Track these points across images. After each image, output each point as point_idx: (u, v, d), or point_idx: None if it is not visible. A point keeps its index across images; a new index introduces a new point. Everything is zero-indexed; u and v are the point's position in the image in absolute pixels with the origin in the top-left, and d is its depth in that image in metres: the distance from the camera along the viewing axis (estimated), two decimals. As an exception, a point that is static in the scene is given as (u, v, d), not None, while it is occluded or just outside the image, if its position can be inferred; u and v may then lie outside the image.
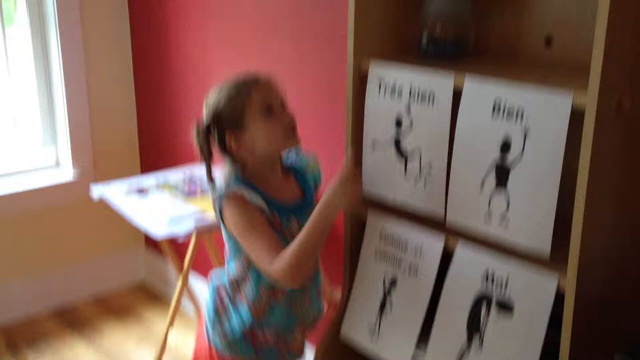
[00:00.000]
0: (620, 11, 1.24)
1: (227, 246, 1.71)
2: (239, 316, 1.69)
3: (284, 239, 1.60)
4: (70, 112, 3.02)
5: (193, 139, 1.68)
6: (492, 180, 1.49)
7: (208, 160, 1.69)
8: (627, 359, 1.20)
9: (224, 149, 1.66)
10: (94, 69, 3.08)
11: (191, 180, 2.61)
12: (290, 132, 1.65)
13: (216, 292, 1.72)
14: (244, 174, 1.66)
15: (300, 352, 1.79)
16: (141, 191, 2.51)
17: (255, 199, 1.61)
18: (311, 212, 1.60)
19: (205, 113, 1.67)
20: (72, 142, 3.06)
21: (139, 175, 3.04)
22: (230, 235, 1.66)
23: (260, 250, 1.58)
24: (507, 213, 1.47)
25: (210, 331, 1.73)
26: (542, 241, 1.42)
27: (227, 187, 1.63)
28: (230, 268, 1.70)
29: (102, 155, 3.17)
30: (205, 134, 1.66)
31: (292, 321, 1.72)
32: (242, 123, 1.62)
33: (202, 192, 2.49)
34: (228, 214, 1.62)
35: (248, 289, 1.67)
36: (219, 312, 1.71)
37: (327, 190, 1.60)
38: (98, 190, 2.51)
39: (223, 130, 1.63)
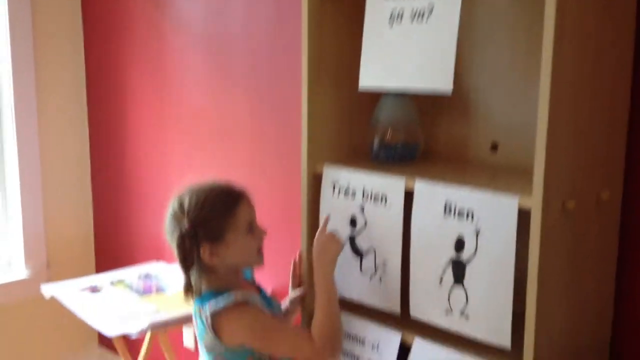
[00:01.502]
0: (559, 122, 1.34)
1: None
2: None
3: None
4: (24, 212, 3.02)
5: (174, 244, 1.63)
6: (449, 276, 1.55)
7: (190, 269, 1.64)
8: None
9: (197, 257, 1.64)
10: (50, 168, 3.09)
11: (146, 278, 2.61)
12: (261, 250, 1.71)
13: None
14: (215, 282, 1.66)
15: None
16: (94, 289, 2.50)
17: (255, 299, 1.65)
18: (271, 302, 1.70)
19: (180, 217, 1.63)
20: (25, 242, 3.04)
21: (93, 274, 3.02)
22: (228, 350, 1.63)
23: (293, 341, 1.65)
24: (467, 308, 1.52)
25: None
26: (501, 335, 1.47)
27: (216, 302, 1.61)
28: None
29: (56, 255, 3.15)
30: (191, 240, 1.61)
31: None
32: (223, 237, 1.63)
33: (158, 289, 2.49)
34: (234, 326, 1.62)
35: None
36: None
37: (315, 250, 1.69)
38: (49, 290, 2.49)
39: (199, 241, 1.62)
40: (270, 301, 1.77)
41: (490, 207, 1.46)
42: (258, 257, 1.71)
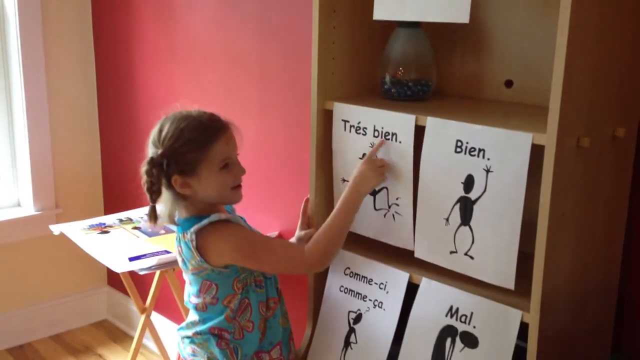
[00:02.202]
0: (577, 57, 1.30)
1: (208, 285, 1.65)
2: (248, 346, 1.67)
3: None
4: (32, 152, 3.01)
5: (143, 170, 1.62)
6: (457, 216, 1.53)
7: (156, 197, 1.62)
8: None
9: (168, 184, 1.61)
10: (57, 108, 3.07)
11: (155, 219, 2.61)
12: (238, 188, 1.66)
13: (214, 338, 1.66)
14: (193, 210, 1.64)
15: None
16: (103, 229, 2.51)
17: (238, 220, 1.63)
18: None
19: (156, 144, 1.61)
20: (34, 182, 3.04)
21: (102, 216, 3.02)
22: (214, 271, 1.62)
23: (283, 254, 1.66)
24: (472, 248, 1.51)
25: None
26: (506, 277, 1.46)
27: (199, 222, 1.59)
28: (218, 307, 1.65)
29: (65, 197, 3.15)
30: (160, 169, 1.59)
31: (285, 334, 1.75)
32: (195, 171, 1.60)
33: (166, 230, 2.49)
34: (220, 242, 1.59)
35: (250, 313, 1.67)
36: (228, 356, 1.66)
37: (356, 174, 1.66)
38: (57, 227, 2.50)
39: (170, 171, 1.59)
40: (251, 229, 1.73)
41: (502, 144, 1.43)
42: (233, 194, 1.66)
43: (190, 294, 1.71)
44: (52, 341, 3.16)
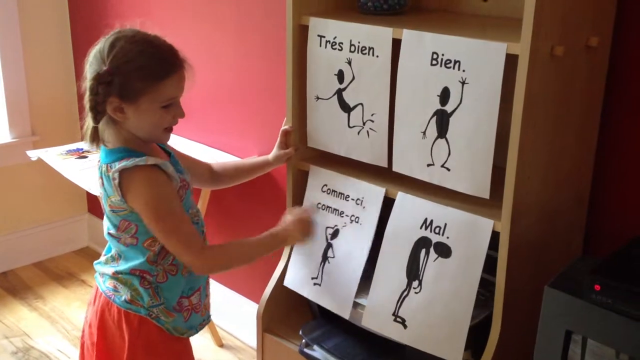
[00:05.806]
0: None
1: (126, 225, 1.55)
2: (171, 289, 1.61)
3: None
4: (6, 78, 2.96)
5: (87, 86, 1.48)
6: (433, 129, 1.54)
7: (100, 117, 1.49)
8: (555, 290, 1.28)
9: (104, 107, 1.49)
10: (29, 34, 3.01)
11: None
12: (169, 129, 1.58)
13: (137, 277, 1.58)
14: (124, 141, 1.54)
15: (209, 311, 1.76)
16: (80, 154, 2.50)
17: (167, 166, 1.54)
18: (181, 168, 1.61)
19: (104, 59, 1.47)
20: (9, 109, 3.00)
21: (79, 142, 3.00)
22: (133, 213, 1.53)
23: (185, 235, 1.54)
24: (448, 160, 1.53)
25: (155, 316, 1.60)
26: (481, 187, 1.48)
27: (126, 161, 1.49)
28: (138, 248, 1.57)
29: (41, 123, 3.12)
30: (105, 87, 1.46)
31: (204, 280, 1.69)
32: (136, 100, 1.49)
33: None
34: (141, 187, 1.50)
35: (173, 257, 1.59)
36: (151, 295, 1.59)
37: (286, 222, 1.71)
38: (35, 154, 2.49)
39: (112, 90, 1.47)
40: (179, 166, 1.64)
41: (477, 55, 1.43)
42: (162, 134, 1.57)
43: (109, 227, 1.61)
44: (35, 268, 3.18)
